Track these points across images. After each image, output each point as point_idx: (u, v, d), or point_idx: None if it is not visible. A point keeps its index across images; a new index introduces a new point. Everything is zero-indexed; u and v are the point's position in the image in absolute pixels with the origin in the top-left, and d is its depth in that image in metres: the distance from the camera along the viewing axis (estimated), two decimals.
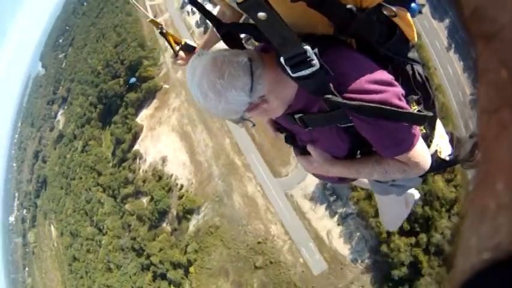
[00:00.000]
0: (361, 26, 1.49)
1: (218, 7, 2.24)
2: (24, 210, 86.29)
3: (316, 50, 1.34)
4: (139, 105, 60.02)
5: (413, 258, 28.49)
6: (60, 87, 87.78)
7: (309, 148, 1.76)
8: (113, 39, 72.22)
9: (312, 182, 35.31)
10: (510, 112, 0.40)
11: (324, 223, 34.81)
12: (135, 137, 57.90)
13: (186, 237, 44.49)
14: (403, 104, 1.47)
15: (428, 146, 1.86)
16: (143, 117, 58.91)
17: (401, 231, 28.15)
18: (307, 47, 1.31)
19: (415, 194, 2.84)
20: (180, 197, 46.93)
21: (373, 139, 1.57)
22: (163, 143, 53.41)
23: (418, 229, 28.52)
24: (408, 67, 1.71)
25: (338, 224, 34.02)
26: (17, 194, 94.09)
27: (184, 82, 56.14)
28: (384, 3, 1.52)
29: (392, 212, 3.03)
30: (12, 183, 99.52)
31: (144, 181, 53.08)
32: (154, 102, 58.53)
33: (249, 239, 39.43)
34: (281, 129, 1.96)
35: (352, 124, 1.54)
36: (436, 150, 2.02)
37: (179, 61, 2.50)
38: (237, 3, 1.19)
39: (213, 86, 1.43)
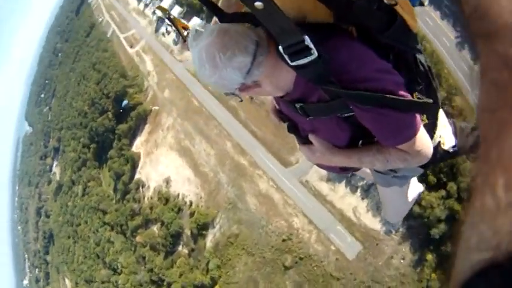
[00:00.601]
0: (360, 14, 1.46)
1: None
2: (36, 270, 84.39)
3: (314, 38, 1.32)
4: (133, 134, 59.11)
5: (449, 211, 26.06)
6: (50, 139, 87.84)
7: (311, 137, 1.78)
8: (94, 77, 72.93)
9: None
10: (511, 112, 0.40)
11: (348, 201, 32.26)
12: (134, 167, 56.34)
13: (206, 255, 41.67)
14: (403, 92, 1.46)
15: (432, 137, 1.84)
16: (138, 144, 57.72)
17: (429, 186, 25.89)
18: (305, 36, 1.30)
19: (419, 186, 2.87)
20: (192, 214, 44.46)
21: (373, 128, 1.55)
22: (163, 164, 51.57)
23: (444, 179, 26.47)
24: (409, 56, 1.65)
25: (362, 198, 31.50)
26: (26, 256, 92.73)
27: (173, 99, 55.54)
28: None
29: (395, 204, 2.96)
30: (20, 247, 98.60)
31: (151, 208, 50.77)
32: (147, 127, 57.62)
33: (272, 239, 36.70)
34: (284, 118, 1.95)
35: (352, 114, 1.53)
36: (439, 142, 1.99)
37: (187, 46, 2.23)
38: None
39: (211, 59, 1.44)
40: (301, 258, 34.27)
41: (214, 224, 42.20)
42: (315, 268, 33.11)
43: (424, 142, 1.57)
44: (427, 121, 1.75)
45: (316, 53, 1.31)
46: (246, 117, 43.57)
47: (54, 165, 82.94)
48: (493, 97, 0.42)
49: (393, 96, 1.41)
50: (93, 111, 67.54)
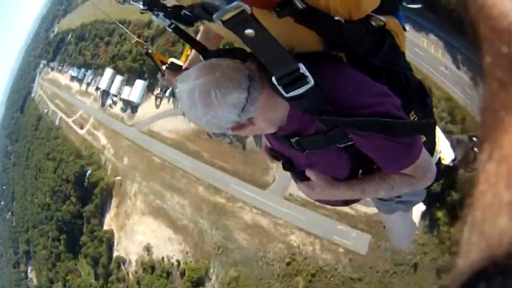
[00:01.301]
0: (350, 38, 1.42)
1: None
2: None
3: (306, 66, 1.23)
4: (101, 212, 56.16)
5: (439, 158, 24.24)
6: (19, 244, 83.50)
7: (308, 173, 1.67)
8: (50, 166, 71.35)
9: None
10: None
11: None
12: (110, 245, 52.66)
13: None
14: (402, 114, 1.41)
15: (432, 154, 1.80)
16: (109, 221, 54.47)
17: None
18: (300, 64, 1.21)
19: (420, 206, 2.77)
20: (183, 274, 40.64)
21: (376, 155, 1.48)
22: (139, 232, 48.13)
23: None
24: (401, 75, 1.61)
25: None
26: None
27: (133, 164, 53.68)
28: (372, 14, 1.47)
29: (401, 229, 2.87)
30: None
31: (138, 283, 46.39)
32: (114, 201, 54.79)
33: (276, 267, 33.41)
34: (278, 156, 1.85)
35: (351, 143, 1.47)
36: (440, 157, 1.95)
37: (166, 80, 2.36)
38: (222, 22, 1.08)
39: (205, 98, 1.33)
40: (313, 275, 31.07)
41: (210, 276, 38.53)
42: (332, 279, 29.95)
43: (427, 163, 1.51)
44: (425, 139, 1.63)
45: (312, 81, 1.22)
46: (210, 156, 41.89)
47: (29, 270, 78.33)
48: (496, 97, 0.42)
49: (396, 120, 1.33)
50: (55, 201, 64.87)
